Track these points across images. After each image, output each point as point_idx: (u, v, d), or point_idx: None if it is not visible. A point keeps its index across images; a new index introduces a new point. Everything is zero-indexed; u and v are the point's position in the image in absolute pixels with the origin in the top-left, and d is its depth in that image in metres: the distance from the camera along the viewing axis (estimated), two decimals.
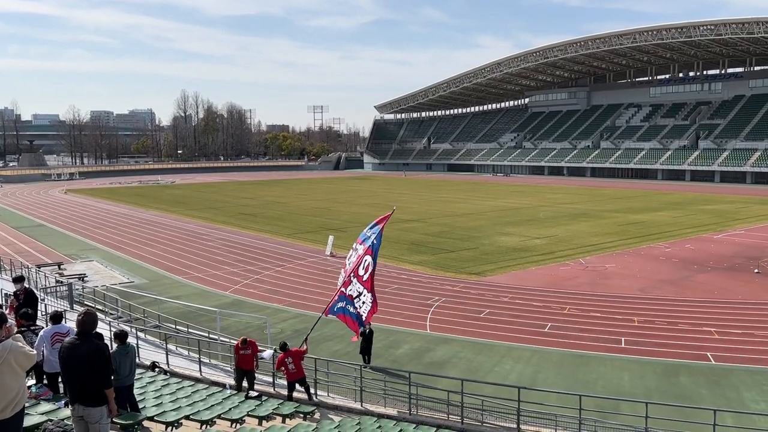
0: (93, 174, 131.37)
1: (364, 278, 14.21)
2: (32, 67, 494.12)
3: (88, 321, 6.77)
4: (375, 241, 14.54)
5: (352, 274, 14.34)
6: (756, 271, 31.00)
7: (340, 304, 14.45)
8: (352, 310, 14.21)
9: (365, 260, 14.35)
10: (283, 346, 13.47)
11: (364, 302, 14.11)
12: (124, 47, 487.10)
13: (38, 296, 15.43)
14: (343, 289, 14.46)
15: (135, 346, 10.63)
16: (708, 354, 19.26)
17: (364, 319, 14.24)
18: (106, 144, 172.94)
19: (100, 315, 17.78)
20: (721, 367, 18.27)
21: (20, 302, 13.06)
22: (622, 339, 20.80)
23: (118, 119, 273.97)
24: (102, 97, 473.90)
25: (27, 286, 15.22)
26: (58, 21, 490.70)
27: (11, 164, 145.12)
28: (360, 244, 14.86)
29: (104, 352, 6.76)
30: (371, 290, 14.15)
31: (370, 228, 15.08)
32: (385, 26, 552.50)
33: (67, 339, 7.09)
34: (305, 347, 13.91)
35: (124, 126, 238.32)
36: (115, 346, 10.11)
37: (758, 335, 21.03)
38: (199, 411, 10.81)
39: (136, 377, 10.61)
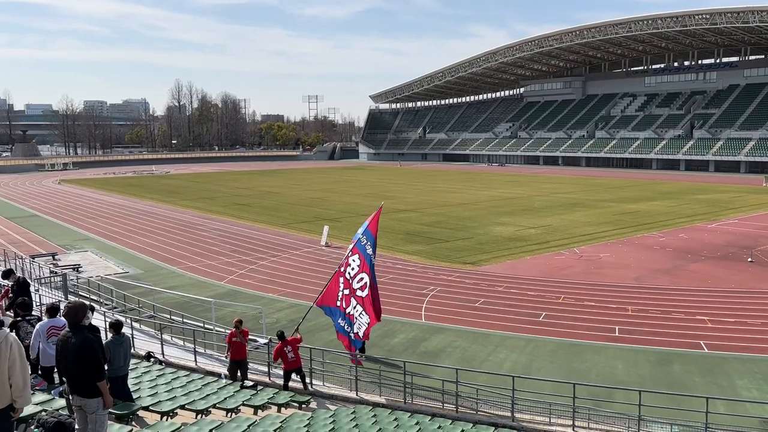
0: (87, 164, 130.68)
1: (362, 296, 14.49)
2: (25, 56, 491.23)
3: (70, 313, 6.76)
4: (371, 252, 14.84)
5: (353, 293, 14.64)
6: (749, 260, 31.14)
7: (341, 322, 14.76)
8: (349, 332, 14.54)
9: (361, 277, 14.61)
10: (281, 336, 13.48)
11: (361, 324, 14.43)
12: (117, 36, 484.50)
13: (30, 284, 15.35)
14: (344, 306, 14.67)
15: (130, 336, 10.59)
16: (701, 342, 19.38)
17: (362, 336, 14.54)
18: (100, 134, 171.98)
19: (94, 306, 17.74)
20: (714, 355, 18.39)
21: (14, 293, 13.01)
22: (616, 328, 20.90)
23: (111, 109, 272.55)
24: (95, 86, 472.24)
25: (20, 275, 15.17)
26: (49, 9, 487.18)
27: (4, 154, 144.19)
28: (355, 254, 15.01)
29: (93, 345, 6.73)
30: (369, 308, 14.43)
31: (363, 233, 15.25)
32: (377, 15, 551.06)
33: (62, 333, 7.08)
34: (299, 335, 13.94)
35: (118, 116, 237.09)
36: (110, 335, 10.12)
37: (751, 324, 21.17)
38: (194, 401, 10.84)
39: (130, 367, 10.61)
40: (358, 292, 14.59)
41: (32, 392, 8.85)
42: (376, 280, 15.24)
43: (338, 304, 14.95)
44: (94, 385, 6.64)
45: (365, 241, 15.08)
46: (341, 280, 15.07)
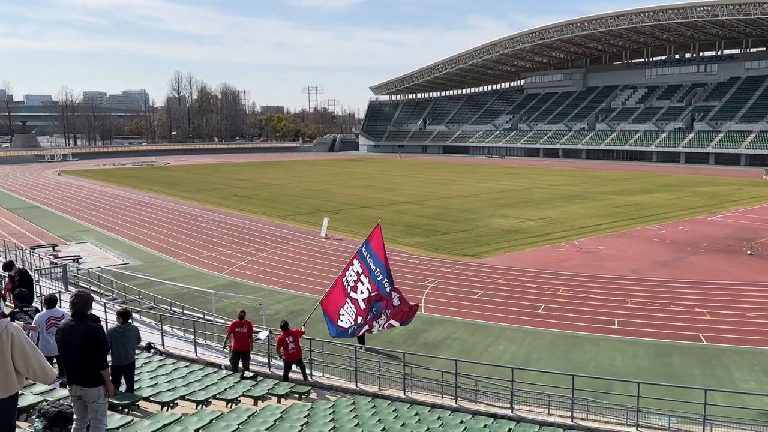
0: (87, 155, 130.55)
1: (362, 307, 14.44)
2: (22, 47, 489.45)
3: (79, 302, 6.79)
4: (380, 277, 14.62)
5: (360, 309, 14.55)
6: (749, 252, 31.17)
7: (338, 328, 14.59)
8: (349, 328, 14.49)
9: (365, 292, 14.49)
10: (284, 326, 13.50)
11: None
12: (114, 27, 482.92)
13: (33, 277, 15.36)
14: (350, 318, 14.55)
15: (137, 327, 10.61)
16: (700, 335, 19.43)
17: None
18: (100, 125, 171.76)
19: (95, 297, 17.78)
20: (713, 347, 18.45)
21: (15, 284, 13.02)
22: (615, 320, 20.95)
23: (111, 100, 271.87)
24: (95, 78, 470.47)
25: (21, 267, 15.16)
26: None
27: (4, 145, 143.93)
28: (362, 272, 14.72)
29: (98, 333, 6.78)
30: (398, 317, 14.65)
31: (367, 249, 14.86)
32: (377, 6, 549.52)
33: (63, 321, 7.10)
34: (303, 330, 13.95)
35: (118, 107, 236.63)
36: (114, 324, 10.16)
37: (750, 316, 21.22)
38: (194, 391, 10.88)
39: None
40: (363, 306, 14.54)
41: (33, 382, 8.89)
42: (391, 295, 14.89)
43: (343, 319, 14.70)
44: (96, 373, 6.67)
45: (371, 262, 14.76)
46: (346, 290, 14.76)
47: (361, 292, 14.47)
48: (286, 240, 35.74)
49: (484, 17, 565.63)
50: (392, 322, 14.86)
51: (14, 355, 5.53)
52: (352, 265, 14.79)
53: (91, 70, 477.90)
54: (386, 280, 14.69)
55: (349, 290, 14.57)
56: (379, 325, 14.74)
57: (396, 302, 14.80)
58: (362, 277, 14.52)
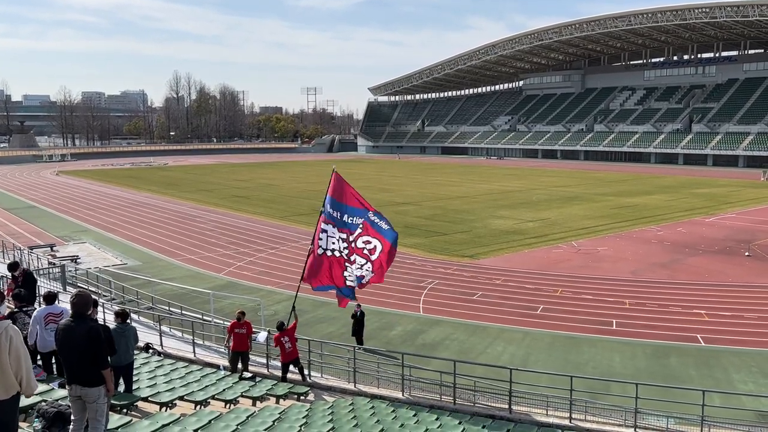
0: (85, 155, 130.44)
1: (373, 258, 13.93)
2: (22, 47, 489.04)
3: (79, 303, 6.79)
4: (378, 221, 14.27)
5: (355, 255, 14.00)
6: (746, 254, 31.22)
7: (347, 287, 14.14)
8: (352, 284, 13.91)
9: (368, 240, 14.09)
10: (281, 326, 13.47)
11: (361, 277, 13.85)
12: (114, 27, 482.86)
13: (36, 278, 15.32)
14: (345, 274, 14.06)
15: (135, 327, 10.62)
16: (698, 336, 19.46)
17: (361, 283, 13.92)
18: (98, 125, 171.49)
19: (93, 297, 17.77)
20: (711, 348, 18.48)
21: (18, 284, 13.00)
22: (614, 321, 20.98)
23: (110, 100, 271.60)
24: (93, 78, 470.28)
25: (26, 268, 15.14)
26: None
27: (2, 145, 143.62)
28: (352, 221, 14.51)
29: (99, 333, 6.77)
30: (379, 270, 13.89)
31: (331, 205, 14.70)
32: (377, 6, 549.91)
33: (62, 321, 7.09)
34: (294, 321, 13.84)
35: (116, 107, 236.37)
36: (113, 324, 10.17)
37: (747, 317, 21.26)
38: (193, 392, 10.87)
39: None
40: (372, 256, 14.01)
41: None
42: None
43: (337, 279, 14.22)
44: (97, 373, 6.67)
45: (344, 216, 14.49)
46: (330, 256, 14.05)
47: (360, 246, 13.92)
48: (284, 240, 35.73)
49: (484, 18, 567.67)
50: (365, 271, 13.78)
51: (10, 358, 5.57)
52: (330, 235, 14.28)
53: (90, 70, 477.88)
54: (355, 217, 14.31)
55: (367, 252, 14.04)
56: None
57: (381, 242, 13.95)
58: (367, 237, 13.97)
